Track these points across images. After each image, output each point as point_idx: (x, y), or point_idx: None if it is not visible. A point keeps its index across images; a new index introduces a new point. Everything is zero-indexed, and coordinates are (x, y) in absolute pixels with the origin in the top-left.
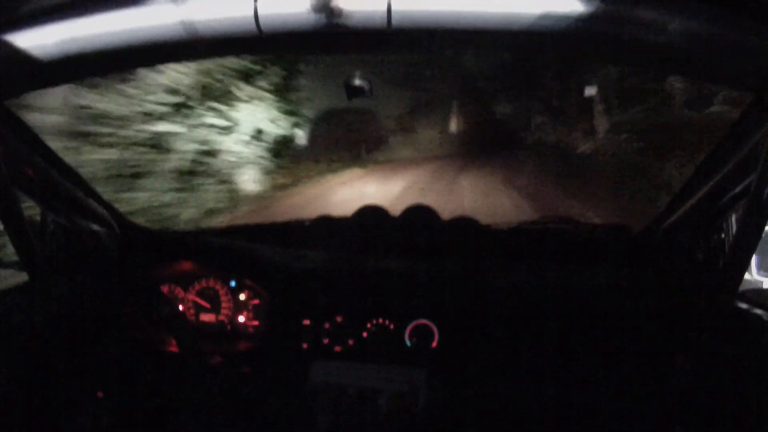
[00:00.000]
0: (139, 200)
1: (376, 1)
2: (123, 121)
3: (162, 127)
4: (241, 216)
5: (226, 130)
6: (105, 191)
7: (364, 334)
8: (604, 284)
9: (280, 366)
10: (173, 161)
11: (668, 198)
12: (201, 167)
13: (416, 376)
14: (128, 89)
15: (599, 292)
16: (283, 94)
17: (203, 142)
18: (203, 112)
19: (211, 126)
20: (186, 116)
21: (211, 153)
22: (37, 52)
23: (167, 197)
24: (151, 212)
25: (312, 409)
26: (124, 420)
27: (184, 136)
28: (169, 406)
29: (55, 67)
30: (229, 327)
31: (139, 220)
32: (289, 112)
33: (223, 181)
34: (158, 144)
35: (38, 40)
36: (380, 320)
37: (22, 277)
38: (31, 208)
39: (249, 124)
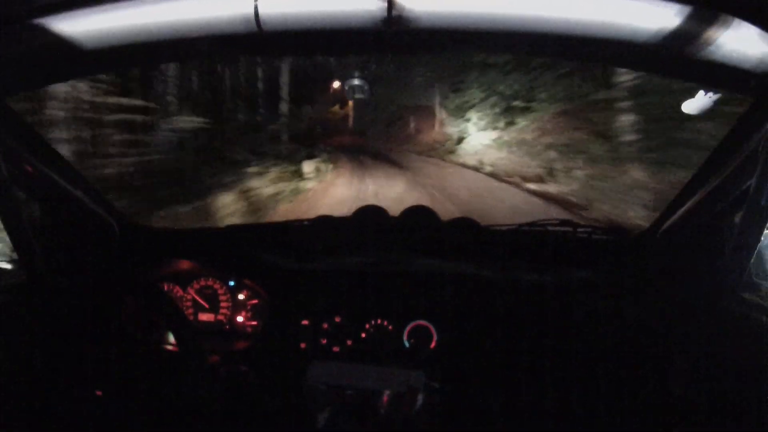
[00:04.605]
0: None
1: (376, 2)
2: None
3: None
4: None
5: None
6: None
7: (363, 335)
8: (603, 286)
9: (279, 366)
10: None
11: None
12: None
13: (414, 377)
14: None
15: (598, 293)
16: None
17: None
18: None
19: None
20: None
21: None
22: (36, 50)
23: None
24: None
25: (310, 409)
26: (123, 418)
27: None
28: (167, 405)
29: (54, 66)
30: (227, 327)
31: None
32: None
33: None
34: None
35: (37, 38)
36: (379, 321)
37: (22, 275)
38: (31, 208)
39: None
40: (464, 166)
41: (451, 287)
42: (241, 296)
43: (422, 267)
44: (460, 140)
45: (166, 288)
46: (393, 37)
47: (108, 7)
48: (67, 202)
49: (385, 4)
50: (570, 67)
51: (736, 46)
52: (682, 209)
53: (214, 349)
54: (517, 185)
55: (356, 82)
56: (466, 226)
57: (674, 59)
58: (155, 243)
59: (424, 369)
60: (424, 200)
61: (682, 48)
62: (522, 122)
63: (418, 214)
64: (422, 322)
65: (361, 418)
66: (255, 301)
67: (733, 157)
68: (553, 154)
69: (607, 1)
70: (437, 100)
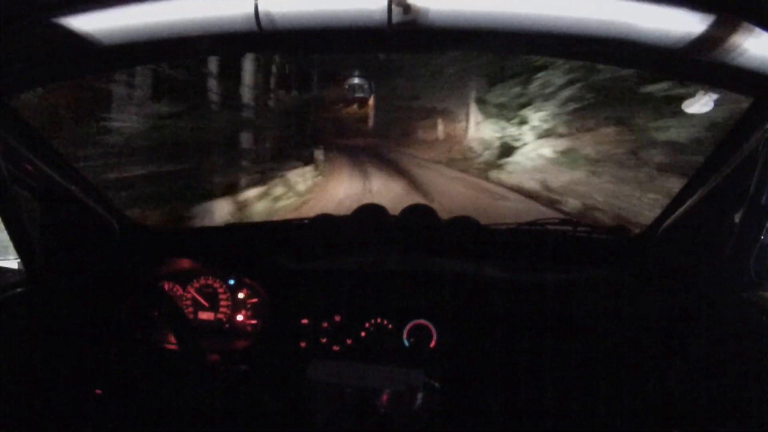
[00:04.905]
0: None
1: (376, 1)
2: None
3: None
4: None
5: None
6: None
7: (363, 334)
8: (603, 285)
9: (279, 365)
10: None
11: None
12: None
13: (414, 376)
14: None
15: (597, 292)
16: None
17: None
18: None
19: None
20: None
21: None
22: (36, 49)
23: None
24: None
25: (310, 408)
26: (122, 418)
27: None
28: (167, 404)
29: (54, 65)
30: (227, 325)
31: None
32: None
33: None
34: None
35: (37, 38)
36: (379, 320)
37: (22, 274)
38: (31, 207)
39: None
40: (518, 190)
41: (451, 286)
42: (241, 295)
43: (422, 266)
44: (509, 151)
45: (166, 287)
46: (393, 36)
47: (108, 6)
48: (67, 202)
49: (385, 4)
50: None
51: (736, 46)
52: (682, 209)
53: (214, 348)
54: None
55: (356, 80)
56: (466, 226)
57: (675, 60)
58: (155, 242)
59: (423, 368)
60: None
61: (684, 49)
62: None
63: (418, 213)
64: (422, 321)
65: (361, 416)
66: (255, 300)
67: (733, 157)
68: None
69: (607, 3)
70: (472, 94)
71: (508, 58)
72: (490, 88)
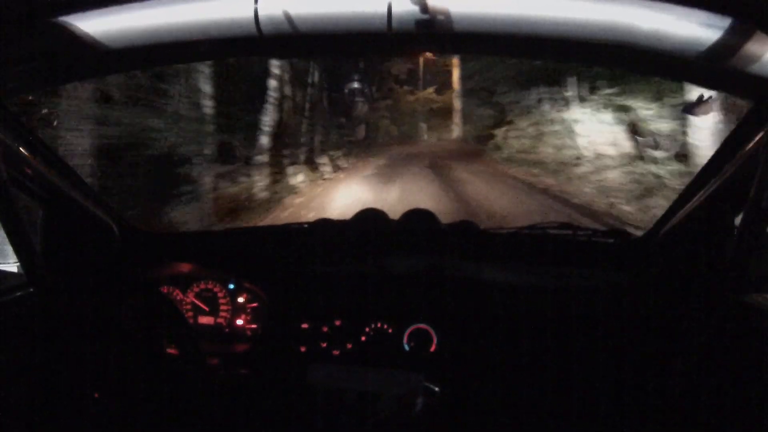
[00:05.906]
0: None
1: (376, 3)
2: None
3: None
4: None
5: None
6: None
7: (363, 338)
8: (603, 288)
9: (278, 369)
10: None
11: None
12: None
13: (414, 379)
14: None
15: (598, 295)
16: None
17: None
18: None
19: None
20: None
21: None
22: (36, 52)
23: None
24: None
25: (310, 412)
26: (122, 421)
27: None
28: (166, 408)
29: (54, 68)
30: (227, 330)
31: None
32: None
33: None
34: None
35: (37, 40)
36: (379, 324)
37: (22, 277)
38: (31, 208)
39: None
40: None
41: (451, 290)
42: (240, 299)
43: (422, 270)
44: None
45: (165, 291)
46: (393, 40)
47: (108, 9)
48: (67, 205)
49: (385, 7)
50: None
51: (736, 47)
52: (683, 212)
53: (214, 352)
54: None
55: (355, 85)
56: (465, 230)
57: (676, 62)
58: (155, 246)
59: (423, 372)
60: None
61: (683, 50)
62: None
63: (418, 217)
64: (422, 325)
65: (361, 420)
66: (255, 304)
67: (733, 158)
68: None
69: (608, 6)
70: None
71: None
72: None
